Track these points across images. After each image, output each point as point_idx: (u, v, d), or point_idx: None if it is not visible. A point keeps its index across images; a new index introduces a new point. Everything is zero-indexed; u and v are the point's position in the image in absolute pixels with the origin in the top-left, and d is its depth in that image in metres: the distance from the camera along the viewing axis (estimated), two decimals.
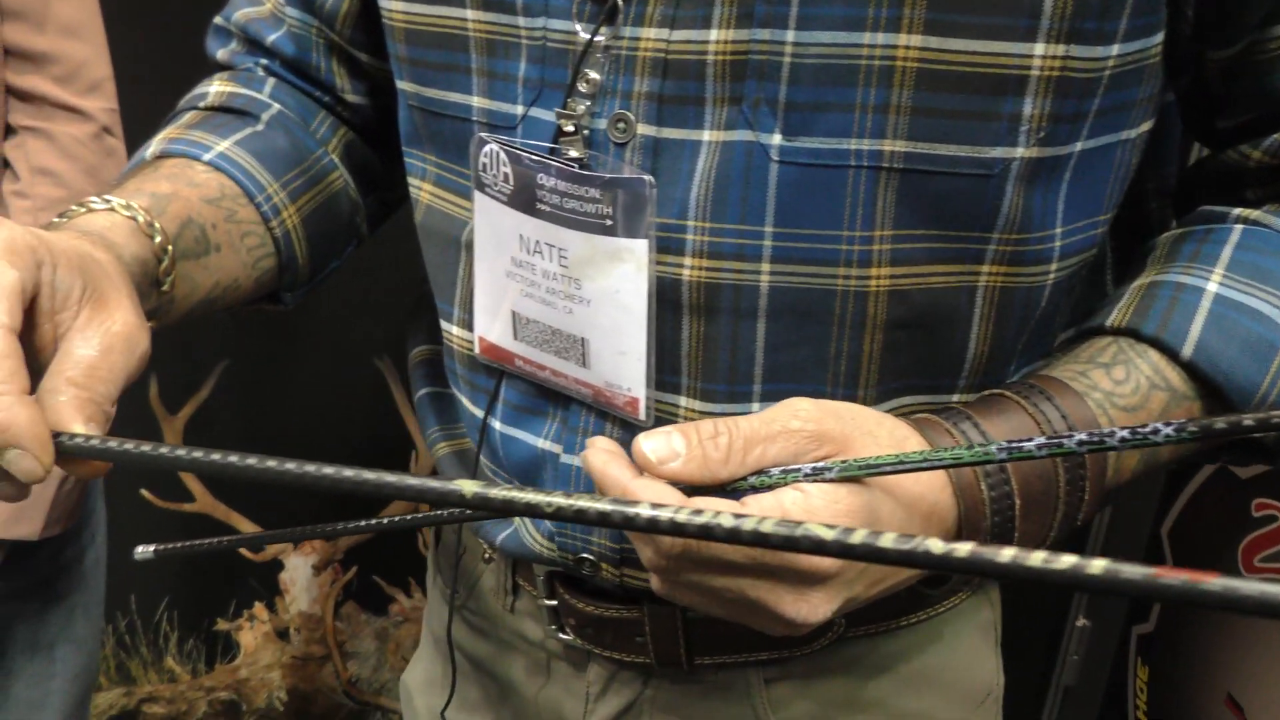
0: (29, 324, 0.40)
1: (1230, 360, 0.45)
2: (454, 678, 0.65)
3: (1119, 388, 0.44)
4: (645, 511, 0.33)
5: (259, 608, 1.42)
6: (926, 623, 0.57)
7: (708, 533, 0.32)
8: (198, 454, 0.38)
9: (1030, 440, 0.36)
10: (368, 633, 1.44)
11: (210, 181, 0.55)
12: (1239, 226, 0.49)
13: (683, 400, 0.49)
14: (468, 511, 0.51)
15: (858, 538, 0.30)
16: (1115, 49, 0.42)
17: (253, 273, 0.57)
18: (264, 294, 0.60)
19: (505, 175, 0.48)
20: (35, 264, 0.39)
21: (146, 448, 0.39)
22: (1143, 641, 1.37)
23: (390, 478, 0.36)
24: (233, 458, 0.38)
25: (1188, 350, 0.45)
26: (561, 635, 0.58)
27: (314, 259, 0.61)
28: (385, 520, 0.50)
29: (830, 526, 0.30)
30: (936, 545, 0.29)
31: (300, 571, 1.40)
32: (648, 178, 0.45)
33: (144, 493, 1.33)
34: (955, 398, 0.49)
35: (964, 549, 0.28)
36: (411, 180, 0.58)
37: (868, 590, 0.42)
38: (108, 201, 0.49)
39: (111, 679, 1.42)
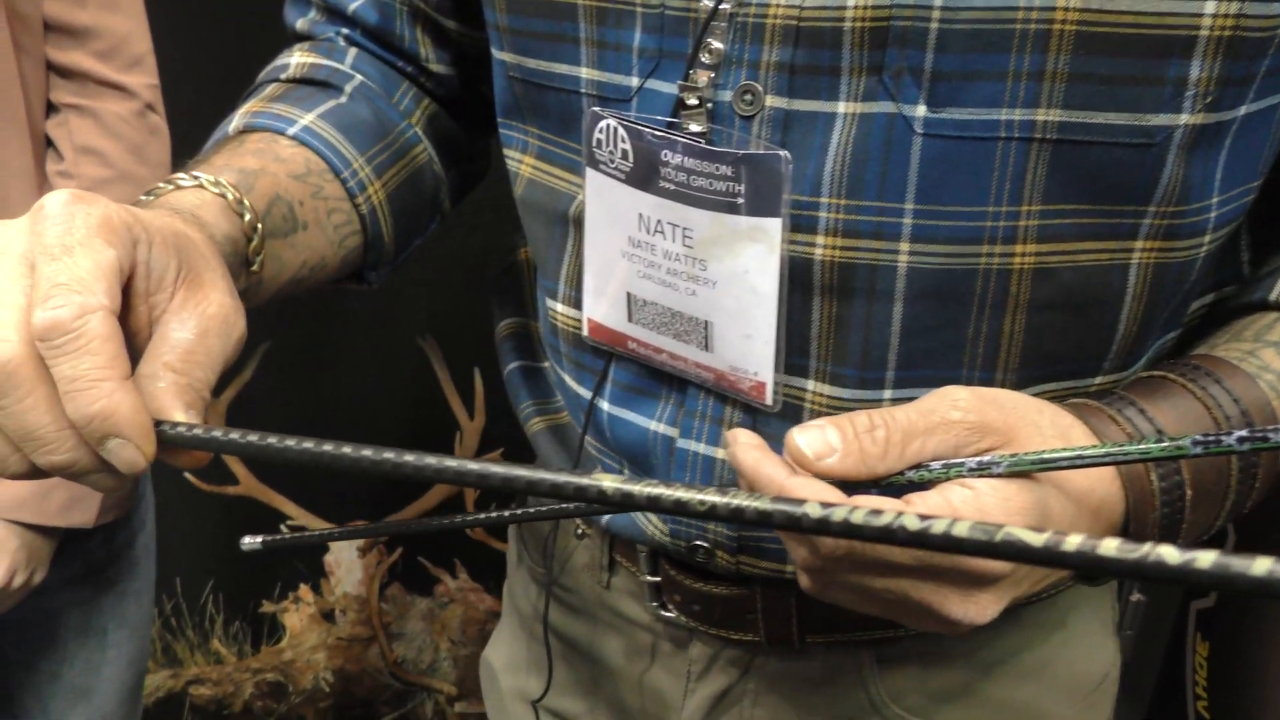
0: (124, 306, 0.37)
1: None
2: (550, 667, 0.63)
3: None
4: (814, 511, 0.31)
5: (304, 590, 1.41)
6: (1048, 607, 0.55)
7: (888, 536, 0.30)
8: (308, 444, 0.36)
9: (1230, 434, 0.33)
10: (413, 614, 1.43)
11: (296, 156, 0.53)
12: None
13: (810, 384, 0.47)
14: (586, 505, 0.49)
15: (1072, 544, 0.27)
16: None
17: (339, 251, 0.55)
18: (348, 273, 0.58)
19: (624, 152, 0.46)
20: (131, 242, 0.37)
21: (253, 437, 0.37)
22: (1202, 617, 1.35)
23: (522, 470, 0.34)
24: (346, 449, 0.36)
25: None
26: (664, 613, 0.57)
27: (399, 236, 0.59)
28: (520, 511, 0.48)
29: (1038, 531, 0.28)
30: (1171, 554, 0.26)
31: (345, 553, 1.39)
32: (784, 153, 0.42)
33: (188, 475, 1.32)
34: (1097, 380, 0.47)
35: (1207, 558, 0.25)
36: (509, 153, 0.55)
37: (1033, 586, 0.40)
38: (196, 178, 0.47)
39: (158, 661, 1.41)
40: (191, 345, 0.38)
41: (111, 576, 0.87)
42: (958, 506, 0.36)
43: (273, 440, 0.36)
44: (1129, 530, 0.40)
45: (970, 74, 0.40)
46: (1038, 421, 0.39)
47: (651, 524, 0.52)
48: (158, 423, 0.36)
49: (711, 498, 0.32)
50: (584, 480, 0.33)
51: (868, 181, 0.42)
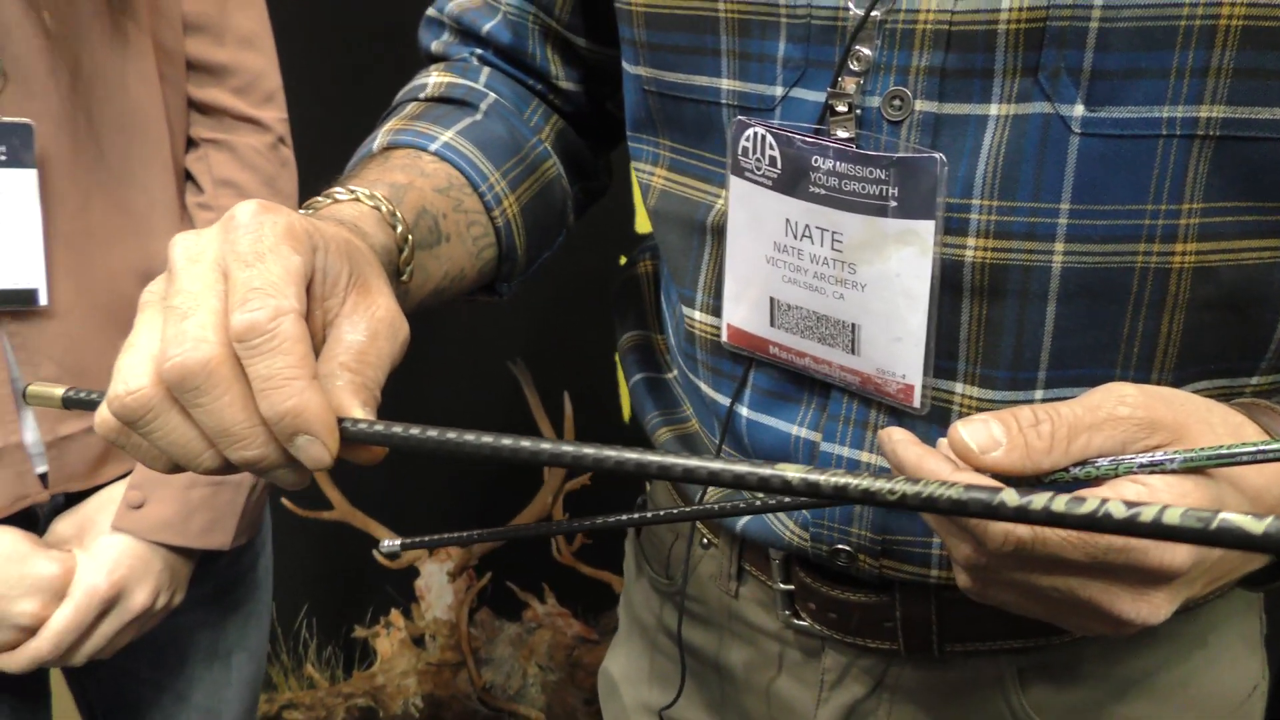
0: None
1: None
2: (683, 678, 0.63)
3: None
4: (1011, 499, 0.31)
5: (395, 615, 1.43)
6: (1188, 622, 0.54)
7: (1093, 524, 0.30)
8: (486, 439, 0.37)
9: None
10: (502, 639, 1.44)
11: (439, 171, 0.55)
12: None
13: (959, 387, 0.47)
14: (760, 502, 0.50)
15: None
16: None
17: (476, 262, 0.57)
18: (482, 285, 0.60)
19: (771, 159, 0.47)
20: (311, 249, 0.39)
21: (433, 432, 0.38)
22: None
23: (700, 462, 0.34)
24: (525, 442, 0.37)
25: None
26: (796, 621, 0.57)
27: (530, 248, 0.61)
28: (660, 513, 0.49)
29: (1258, 517, 0.27)
30: None
31: (435, 578, 1.41)
32: (939, 155, 0.43)
33: (284, 501, 1.35)
34: (1254, 380, 0.46)
35: None
36: (640, 166, 0.57)
37: (1205, 588, 0.39)
38: (352, 192, 0.49)
39: None
40: (364, 346, 0.39)
41: (237, 599, 0.89)
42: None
43: (451, 435, 0.37)
44: None
45: (1132, 72, 0.41)
46: (1208, 419, 0.39)
47: (788, 529, 0.53)
48: (340, 420, 0.38)
49: (901, 486, 0.31)
50: (766, 471, 0.33)
51: (1021, 182, 0.43)
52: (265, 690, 1.45)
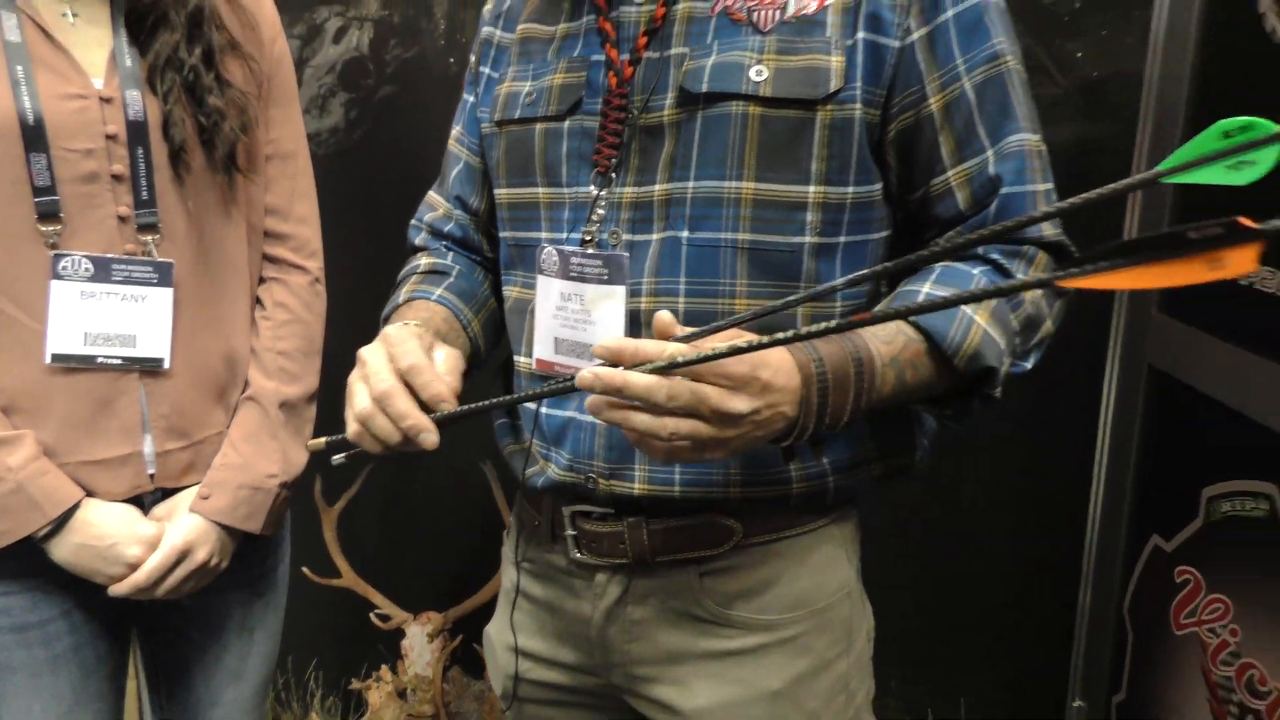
0: None
1: (930, 320, 0.82)
2: (516, 595, 1.02)
3: (881, 332, 0.81)
4: (681, 350, 0.73)
5: (384, 670, 1.77)
6: (799, 538, 0.93)
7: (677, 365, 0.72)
8: (500, 399, 0.80)
9: (807, 329, 0.73)
10: (468, 695, 1.77)
11: (438, 309, 1.00)
12: (938, 267, 0.87)
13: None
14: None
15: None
16: (850, 190, 0.84)
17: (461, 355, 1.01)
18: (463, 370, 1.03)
19: (554, 262, 0.92)
20: (419, 338, 0.84)
21: (478, 404, 0.81)
22: (1120, 709, 1.59)
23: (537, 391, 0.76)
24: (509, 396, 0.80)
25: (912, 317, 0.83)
26: (577, 555, 0.96)
27: (487, 349, 1.06)
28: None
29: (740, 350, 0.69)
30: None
31: (418, 639, 1.76)
32: (625, 255, 0.87)
33: (304, 570, 1.74)
34: None
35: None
36: (507, 289, 1.02)
37: (768, 411, 0.72)
38: (407, 323, 0.93)
39: None
40: (444, 370, 0.85)
41: (262, 589, 1.27)
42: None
43: (487, 402, 0.81)
44: (802, 392, 0.76)
45: (705, 216, 0.85)
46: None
47: (559, 472, 0.94)
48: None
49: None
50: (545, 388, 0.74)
51: (665, 270, 0.87)
52: None
